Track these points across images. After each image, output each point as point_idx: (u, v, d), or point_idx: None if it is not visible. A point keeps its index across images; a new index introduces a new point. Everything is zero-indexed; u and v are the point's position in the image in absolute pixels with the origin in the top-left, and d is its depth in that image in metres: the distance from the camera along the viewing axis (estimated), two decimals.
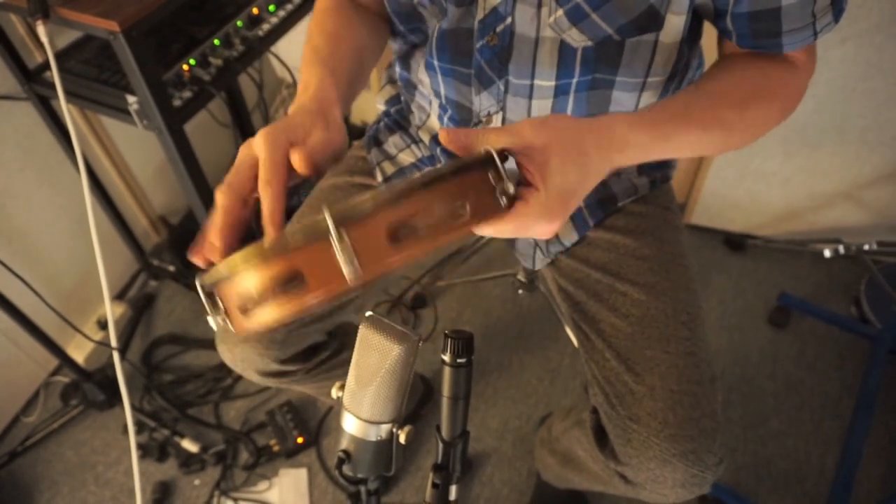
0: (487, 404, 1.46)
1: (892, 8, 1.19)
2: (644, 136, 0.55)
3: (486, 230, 0.49)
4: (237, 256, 0.44)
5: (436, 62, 0.73)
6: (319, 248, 0.41)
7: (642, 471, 0.72)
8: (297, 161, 0.52)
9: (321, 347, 0.91)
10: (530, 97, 0.71)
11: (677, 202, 0.90)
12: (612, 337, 0.77)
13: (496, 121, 0.74)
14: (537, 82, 0.69)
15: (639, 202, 0.86)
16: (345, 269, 0.41)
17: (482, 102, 0.73)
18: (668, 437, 0.70)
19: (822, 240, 1.59)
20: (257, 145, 0.52)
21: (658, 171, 0.87)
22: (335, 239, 0.40)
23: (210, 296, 0.48)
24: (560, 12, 0.62)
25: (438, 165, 0.46)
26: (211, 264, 0.52)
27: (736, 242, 1.71)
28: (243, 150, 0.53)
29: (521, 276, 1.36)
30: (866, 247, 1.48)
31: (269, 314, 0.43)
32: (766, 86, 0.64)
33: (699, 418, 0.71)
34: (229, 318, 0.47)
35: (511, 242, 0.92)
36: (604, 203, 0.84)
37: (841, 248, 1.50)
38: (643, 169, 0.86)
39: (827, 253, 1.52)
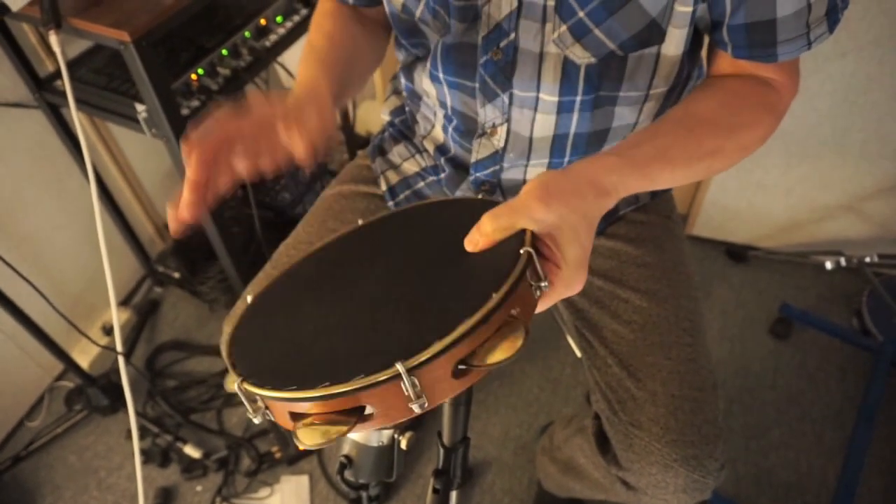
0: (489, 413, 1.46)
1: (891, 22, 1.20)
2: (633, 183, 0.56)
3: None
4: (296, 393, 0.43)
5: (440, 74, 0.74)
6: (390, 389, 0.41)
7: (644, 476, 0.73)
8: (297, 140, 0.53)
9: None
10: (535, 109, 0.71)
11: (678, 212, 0.91)
12: (614, 343, 0.78)
13: (501, 132, 0.75)
14: (542, 96, 0.70)
15: (639, 211, 0.87)
16: (414, 407, 0.42)
17: (487, 114, 0.74)
18: (670, 443, 0.70)
19: (823, 252, 1.60)
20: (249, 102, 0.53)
21: None
22: (407, 387, 0.40)
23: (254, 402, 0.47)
24: (563, 28, 0.63)
25: (491, 293, 0.44)
26: (184, 223, 0.53)
27: (738, 254, 1.72)
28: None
29: None
30: (868, 259, 1.48)
31: (327, 432, 0.42)
32: (748, 112, 0.64)
33: (700, 424, 0.71)
34: (274, 417, 0.47)
35: None
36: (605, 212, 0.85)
37: (842, 261, 1.51)
38: None
39: (828, 265, 1.52)
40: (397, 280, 0.53)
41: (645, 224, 0.85)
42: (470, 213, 0.51)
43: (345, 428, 0.42)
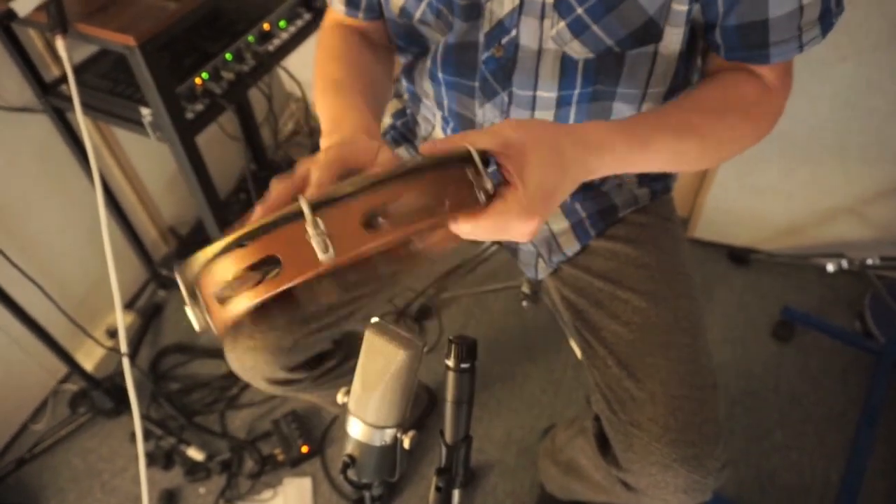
0: (491, 415, 1.46)
1: (891, 27, 1.21)
2: (620, 141, 0.56)
3: (464, 226, 0.49)
4: (215, 244, 0.43)
5: (440, 74, 0.75)
6: (295, 231, 0.40)
7: (644, 476, 0.73)
8: None
9: (328, 356, 0.93)
10: (533, 108, 0.72)
11: (678, 214, 0.91)
12: (614, 344, 0.78)
13: None
14: (539, 93, 0.70)
15: (639, 212, 0.87)
16: (319, 253, 0.41)
17: (486, 114, 0.75)
18: (670, 443, 0.70)
19: (825, 254, 1.60)
20: (316, 160, 0.51)
21: (659, 183, 0.89)
22: (310, 223, 0.40)
23: (191, 290, 0.46)
24: (562, 24, 0.64)
25: (418, 157, 0.46)
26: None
27: (739, 256, 1.72)
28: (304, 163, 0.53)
29: (525, 288, 1.37)
30: (869, 261, 1.48)
31: (245, 301, 0.43)
32: (739, 102, 0.66)
33: (700, 424, 0.71)
34: (209, 312, 0.46)
35: (514, 252, 0.93)
36: (605, 213, 0.86)
37: (844, 263, 1.51)
38: (644, 180, 0.88)
39: (830, 267, 1.52)
40: None
41: (645, 225, 0.86)
42: None
43: (266, 289, 0.41)
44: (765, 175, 1.56)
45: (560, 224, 0.86)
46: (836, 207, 1.56)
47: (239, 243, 0.42)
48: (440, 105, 0.80)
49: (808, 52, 0.64)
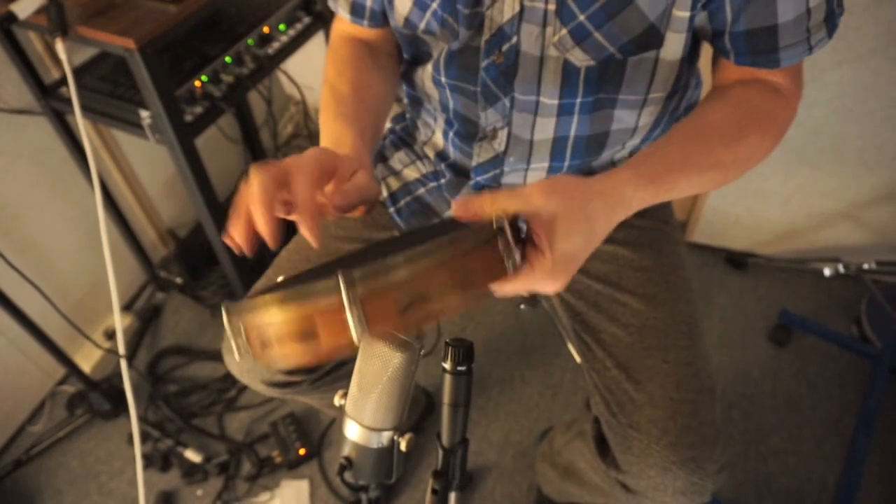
0: (489, 418, 1.47)
1: (887, 32, 1.22)
2: (647, 194, 0.57)
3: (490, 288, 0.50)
4: (265, 297, 0.46)
5: (443, 78, 0.76)
6: (333, 310, 0.42)
7: (643, 478, 0.73)
8: (335, 194, 0.53)
9: None
10: (535, 113, 0.73)
11: (675, 217, 0.92)
12: (613, 346, 0.79)
13: (502, 136, 0.76)
14: (542, 99, 0.71)
15: (638, 216, 0.87)
16: (354, 333, 0.43)
17: (488, 118, 0.75)
18: (668, 445, 0.71)
19: (822, 258, 1.60)
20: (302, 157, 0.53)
21: None
22: (349, 309, 0.42)
23: (237, 328, 0.49)
24: (564, 31, 0.64)
25: (453, 235, 0.46)
26: (235, 243, 0.53)
27: (737, 260, 1.73)
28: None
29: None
30: (865, 266, 1.49)
31: (283, 357, 0.46)
32: (756, 120, 0.65)
33: (699, 426, 0.72)
34: (250, 346, 0.49)
35: None
36: None
37: (840, 267, 1.51)
38: None
39: (827, 272, 1.53)
40: (388, 249, 0.54)
41: (643, 229, 0.86)
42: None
43: (303, 354, 0.44)
44: (763, 179, 1.57)
45: None
46: (832, 211, 1.57)
47: (280, 301, 0.45)
48: (444, 107, 0.80)
49: (805, 57, 0.65)
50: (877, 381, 1.37)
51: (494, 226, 0.47)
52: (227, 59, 1.25)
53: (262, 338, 0.47)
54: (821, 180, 1.52)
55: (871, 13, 1.20)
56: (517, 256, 0.48)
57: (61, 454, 1.47)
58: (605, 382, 0.78)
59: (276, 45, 1.33)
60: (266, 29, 1.31)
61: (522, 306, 1.37)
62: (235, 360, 0.86)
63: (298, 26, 1.38)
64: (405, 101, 0.91)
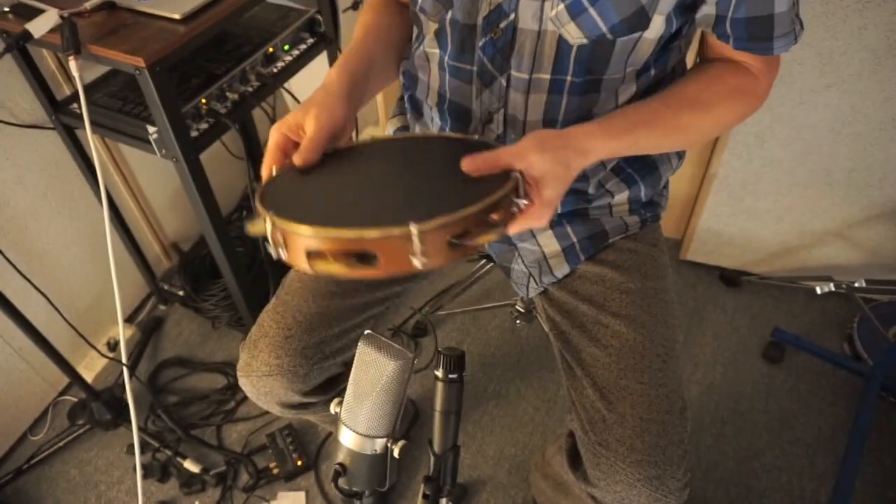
0: (484, 432, 1.48)
1: (872, 56, 1.25)
2: (616, 147, 0.70)
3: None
4: (328, 230, 0.53)
5: (439, 51, 0.79)
6: (397, 244, 0.52)
7: (609, 493, 0.76)
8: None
9: (339, 378, 0.95)
10: (528, 92, 0.75)
11: (664, 240, 0.94)
12: (591, 366, 0.81)
13: (498, 119, 0.79)
14: (535, 76, 0.74)
15: (628, 239, 0.90)
16: (416, 262, 0.53)
17: (483, 103, 0.78)
18: (634, 463, 0.73)
19: (814, 277, 1.63)
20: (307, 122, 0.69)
21: (648, 212, 0.92)
22: (416, 242, 0.52)
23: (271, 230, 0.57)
24: (561, 6, 0.67)
25: (487, 186, 0.59)
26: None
27: (731, 279, 1.75)
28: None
29: (519, 307, 1.40)
30: (857, 284, 1.51)
31: (333, 269, 0.54)
32: (727, 94, 0.74)
33: (665, 446, 0.74)
34: (288, 252, 0.56)
35: (507, 272, 0.96)
36: (595, 239, 0.89)
37: (832, 286, 1.54)
38: (635, 208, 0.90)
39: (819, 290, 1.55)
40: (406, 176, 0.68)
41: (632, 252, 0.88)
42: (466, 148, 0.64)
43: (357, 271, 0.53)
44: (755, 199, 1.60)
45: (552, 247, 0.89)
46: (824, 231, 1.60)
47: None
48: (442, 97, 0.83)
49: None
50: (868, 398, 1.38)
51: (514, 181, 0.60)
52: (233, 77, 1.29)
53: (313, 252, 0.54)
54: (812, 200, 1.55)
55: (856, 38, 1.24)
56: (522, 203, 0.61)
57: (62, 463, 1.48)
58: (581, 401, 0.81)
59: (280, 64, 1.37)
60: (271, 49, 1.35)
61: (518, 321, 1.39)
62: (251, 383, 0.87)
63: (302, 47, 1.42)
64: (407, 106, 0.94)
